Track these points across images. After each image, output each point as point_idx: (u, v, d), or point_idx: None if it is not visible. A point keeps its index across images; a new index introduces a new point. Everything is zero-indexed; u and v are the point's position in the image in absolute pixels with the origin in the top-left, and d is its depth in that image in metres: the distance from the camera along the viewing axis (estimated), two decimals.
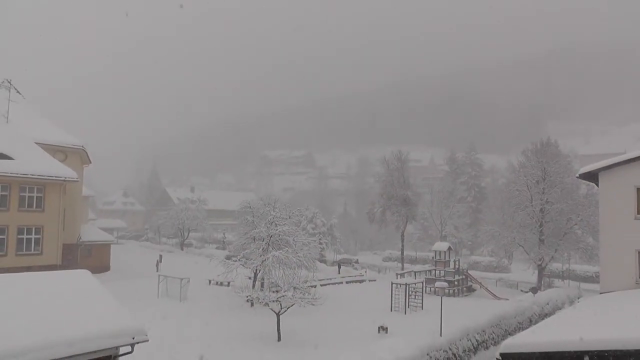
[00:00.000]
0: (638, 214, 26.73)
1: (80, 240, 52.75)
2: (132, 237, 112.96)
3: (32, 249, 42.61)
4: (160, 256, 61.82)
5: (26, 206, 42.55)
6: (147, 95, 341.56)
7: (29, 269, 33.37)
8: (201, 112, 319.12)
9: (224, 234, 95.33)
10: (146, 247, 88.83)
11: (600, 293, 27.91)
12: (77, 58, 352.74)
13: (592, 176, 29.38)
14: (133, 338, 14.38)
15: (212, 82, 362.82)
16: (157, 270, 51.98)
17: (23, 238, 42.24)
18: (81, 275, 17.32)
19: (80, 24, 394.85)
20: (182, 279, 39.92)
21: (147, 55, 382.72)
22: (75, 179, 45.48)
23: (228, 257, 41.01)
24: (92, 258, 52.62)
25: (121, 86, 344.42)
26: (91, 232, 57.05)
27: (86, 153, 54.17)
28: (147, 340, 14.94)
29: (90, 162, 58.29)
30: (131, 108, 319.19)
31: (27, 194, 42.59)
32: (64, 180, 44.04)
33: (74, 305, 14.87)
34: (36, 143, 45.87)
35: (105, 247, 55.86)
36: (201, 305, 37.61)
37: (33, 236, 42.80)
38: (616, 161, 27.75)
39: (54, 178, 43.32)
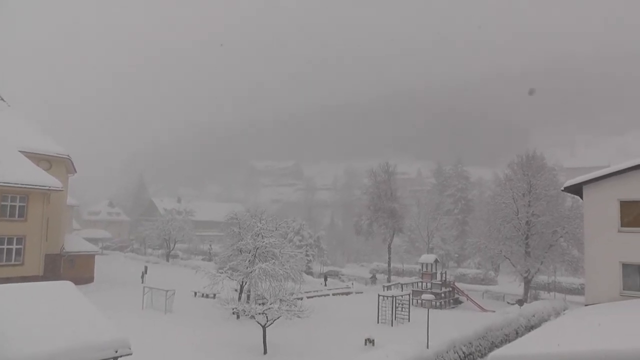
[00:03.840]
0: (621, 226, 26.89)
1: (64, 250, 52.04)
2: (117, 247, 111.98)
3: (13, 260, 41.78)
4: (146, 267, 61.21)
5: (8, 215, 41.79)
6: (135, 104, 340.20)
7: (8, 280, 32.69)
8: (189, 122, 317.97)
9: (210, 245, 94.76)
10: (131, 258, 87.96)
11: (586, 305, 27.97)
12: (62, 66, 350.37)
13: (576, 189, 29.56)
14: (116, 351, 14.14)
15: (200, 91, 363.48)
16: (142, 282, 51.45)
17: (4, 248, 41.39)
18: (63, 287, 17.02)
19: (63, 30, 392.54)
20: (167, 291, 39.46)
21: (134, 63, 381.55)
22: (60, 188, 44.94)
23: (221, 269, 40.57)
24: (76, 269, 51.89)
25: (108, 94, 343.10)
26: (75, 243, 56.35)
27: (71, 162, 53.56)
28: (131, 354, 14.71)
29: (76, 172, 57.71)
30: (118, 117, 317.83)
31: (9, 203, 41.85)
32: (48, 190, 43.47)
33: (55, 318, 14.55)
34: (20, 151, 45.24)
35: (89, 258, 55.15)
36: (186, 318, 37.17)
37: (14, 246, 41.99)
38: (600, 174, 27.94)
39: (38, 187, 42.70)
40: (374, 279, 69.93)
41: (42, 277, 41.82)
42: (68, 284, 17.27)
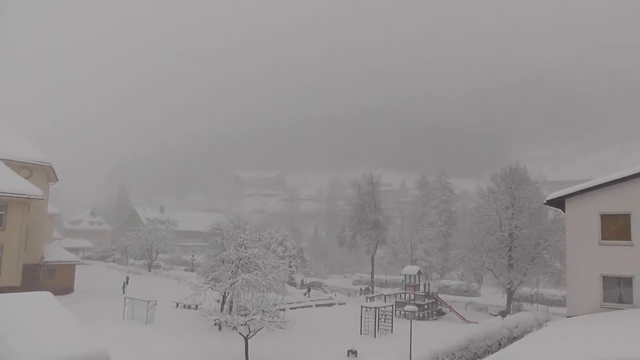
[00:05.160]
0: (602, 239, 27.20)
1: (43, 260, 51.33)
2: (99, 257, 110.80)
3: None
4: (127, 278, 60.53)
5: None
6: (118, 113, 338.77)
7: None
8: (173, 131, 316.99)
9: (193, 255, 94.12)
10: (113, 268, 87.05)
11: (567, 317, 28.19)
12: (43, 73, 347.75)
13: (559, 202, 29.85)
14: None
15: (184, 102, 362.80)
16: (124, 292, 50.89)
17: None
18: (42, 298, 16.75)
19: (46, 34, 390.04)
20: (148, 302, 39.03)
21: (116, 72, 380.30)
22: (40, 197, 44.37)
23: (204, 279, 40.19)
24: (56, 279, 51.24)
25: (92, 103, 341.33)
26: (55, 252, 55.57)
27: (53, 170, 52.99)
28: None
29: (57, 180, 57.08)
30: (102, 126, 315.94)
31: None
32: (28, 198, 42.89)
33: (32, 330, 14.30)
34: None
35: (69, 268, 54.44)
36: (168, 329, 36.78)
37: None
38: (581, 188, 28.29)
39: (17, 195, 42.06)
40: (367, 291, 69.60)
41: (20, 288, 41.18)
42: (47, 295, 17.00)
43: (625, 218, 26.71)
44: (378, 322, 40.36)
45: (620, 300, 26.47)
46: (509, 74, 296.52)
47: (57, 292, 28.83)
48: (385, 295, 55.42)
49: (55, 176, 55.18)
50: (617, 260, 26.60)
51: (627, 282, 26.34)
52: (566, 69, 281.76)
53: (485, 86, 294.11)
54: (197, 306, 41.28)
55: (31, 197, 43.06)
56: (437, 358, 26.38)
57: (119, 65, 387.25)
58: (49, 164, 51.71)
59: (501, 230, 51.55)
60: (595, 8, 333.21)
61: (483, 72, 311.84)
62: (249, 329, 28.93)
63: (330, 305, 56.50)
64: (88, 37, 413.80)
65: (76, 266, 56.51)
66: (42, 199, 45.87)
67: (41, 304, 16.10)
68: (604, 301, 26.77)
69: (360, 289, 73.27)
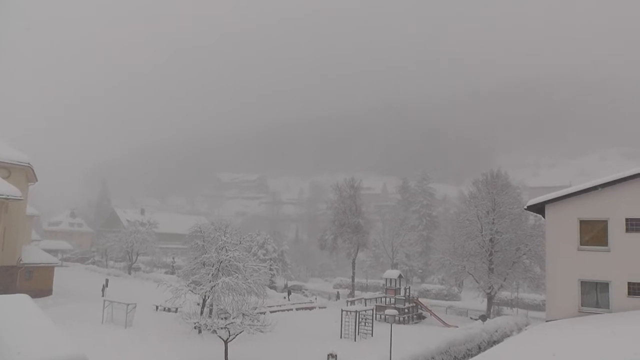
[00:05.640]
0: (581, 245, 27.52)
1: (21, 262, 50.66)
2: (78, 259, 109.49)
3: None
4: (107, 280, 60.04)
5: None
6: (99, 114, 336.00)
7: None
8: (154, 132, 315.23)
9: (173, 258, 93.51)
10: (92, 271, 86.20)
11: (547, 321, 28.43)
12: (24, 71, 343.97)
13: (539, 208, 30.14)
14: None
15: (167, 105, 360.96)
16: (103, 295, 50.41)
17: None
18: (18, 300, 16.49)
19: (25, 34, 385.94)
20: (128, 305, 38.74)
21: (97, 71, 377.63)
22: (19, 197, 43.90)
23: (184, 282, 39.89)
24: (34, 281, 50.62)
25: (74, 104, 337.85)
26: (33, 254, 54.87)
27: (32, 170, 52.35)
28: None
29: (37, 180, 56.46)
30: (82, 126, 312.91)
31: None
32: (6, 199, 42.41)
33: (8, 334, 14.10)
34: None
35: (48, 270, 53.80)
36: (147, 332, 36.53)
37: None
38: (561, 194, 28.61)
39: None
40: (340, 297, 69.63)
41: None
42: (24, 297, 16.74)
43: (603, 224, 27.08)
44: (358, 326, 40.41)
45: (598, 305, 26.78)
46: (491, 82, 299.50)
47: (34, 294, 28.52)
48: (365, 299, 55.49)
49: (35, 176, 54.55)
50: (595, 266, 26.95)
51: (604, 287, 26.68)
52: (548, 78, 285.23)
53: (468, 93, 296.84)
54: (177, 309, 41.05)
55: (9, 197, 42.58)
56: None
57: (101, 68, 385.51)
58: (28, 164, 51.10)
59: (482, 235, 51.93)
60: (576, 20, 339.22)
61: (467, 80, 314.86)
62: (229, 332, 28.83)
63: (310, 308, 56.48)
64: (71, 37, 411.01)
65: (55, 268, 55.87)
66: (21, 199, 45.37)
67: (18, 307, 15.84)
68: (582, 306, 27.08)
69: (338, 292, 73.34)
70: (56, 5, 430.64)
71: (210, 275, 37.64)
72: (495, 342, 33.55)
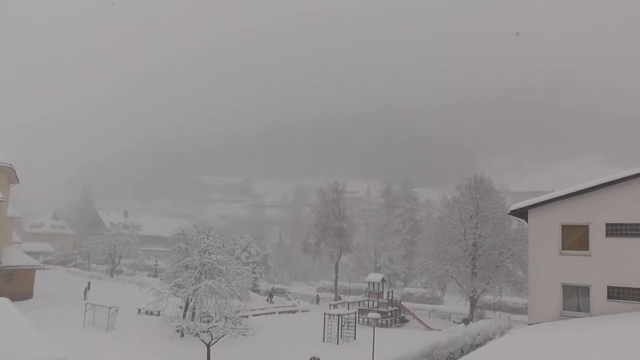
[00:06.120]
0: (563, 249, 27.80)
1: (1, 264, 50.04)
2: (60, 262, 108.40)
3: None
4: (89, 283, 59.54)
5: None
6: (83, 114, 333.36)
7: None
8: (137, 135, 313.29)
9: (156, 261, 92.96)
10: (74, 273, 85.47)
11: (529, 324, 28.66)
12: (11, 74, 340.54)
13: (522, 213, 30.40)
14: None
15: (151, 107, 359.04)
16: (85, 298, 49.99)
17: None
18: None
19: (13, 35, 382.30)
20: (110, 308, 38.43)
21: (81, 73, 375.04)
22: (0, 199, 43.42)
23: (166, 285, 39.63)
24: (14, 284, 50.04)
25: (58, 104, 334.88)
26: (14, 256, 54.23)
27: (14, 171, 51.73)
28: None
29: (19, 182, 55.80)
30: (65, 128, 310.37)
31: None
32: None
33: None
34: None
35: (29, 273, 53.27)
36: (129, 336, 36.25)
37: None
38: (543, 199, 28.89)
39: None
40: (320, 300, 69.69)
41: None
42: (4, 301, 16.61)
43: (584, 229, 27.37)
44: (341, 329, 40.45)
45: (579, 309, 27.06)
46: (475, 88, 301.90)
47: (15, 297, 28.22)
48: (348, 303, 55.58)
49: (17, 178, 53.92)
50: (576, 270, 27.23)
51: (585, 291, 26.96)
52: (531, 84, 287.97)
53: (452, 99, 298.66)
54: (159, 312, 40.83)
55: None
56: None
57: (87, 70, 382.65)
58: (10, 165, 50.50)
59: (465, 239, 52.27)
60: (560, 28, 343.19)
61: (451, 86, 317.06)
62: (212, 335, 28.75)
63: (293, 312, 56.45)
64: (56, 38, 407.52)
65: (36, 271, 55.37)
66: (2, 201, 44.91)
67: None
68: (564, 309, 27.34)
69: (317, 295, 73.39)
70: (56, 5, 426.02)
71: (193, 278, 37.50)
72: (478, 346, 33.69)
